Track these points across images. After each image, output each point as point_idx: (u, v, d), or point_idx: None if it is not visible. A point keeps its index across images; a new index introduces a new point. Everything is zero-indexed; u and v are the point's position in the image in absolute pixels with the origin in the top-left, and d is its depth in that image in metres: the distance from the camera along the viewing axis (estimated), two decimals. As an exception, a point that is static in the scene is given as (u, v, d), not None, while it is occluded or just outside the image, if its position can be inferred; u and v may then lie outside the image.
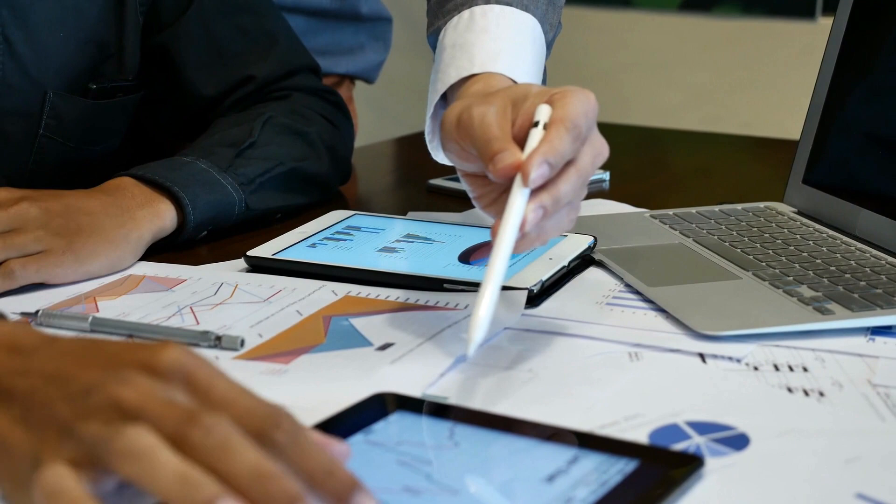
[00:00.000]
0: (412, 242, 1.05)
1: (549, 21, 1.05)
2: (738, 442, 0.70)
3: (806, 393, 0.77)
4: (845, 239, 1.06)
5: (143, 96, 1.19)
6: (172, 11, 1.18)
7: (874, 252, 1.02)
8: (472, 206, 1.22)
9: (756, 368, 0.81)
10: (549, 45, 1.06)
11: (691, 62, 2.89)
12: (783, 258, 1.01)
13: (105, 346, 0.59)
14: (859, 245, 1.04)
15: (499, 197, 0.85)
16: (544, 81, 1.05)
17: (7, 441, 0.56)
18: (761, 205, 1.18)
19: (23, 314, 0.90)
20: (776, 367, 0.81)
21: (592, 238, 1.03)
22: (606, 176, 1.38)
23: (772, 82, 2.77)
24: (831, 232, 1.08)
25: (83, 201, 1.01)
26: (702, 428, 0.72)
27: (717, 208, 1.17)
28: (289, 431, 0.55)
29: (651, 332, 0.87)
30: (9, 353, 0.60)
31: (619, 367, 0.82)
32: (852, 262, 0.99)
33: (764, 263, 0.99)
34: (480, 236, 1.05)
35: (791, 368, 0.81)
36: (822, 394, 0.77)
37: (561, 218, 0.82)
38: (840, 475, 0.66)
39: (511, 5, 1.00)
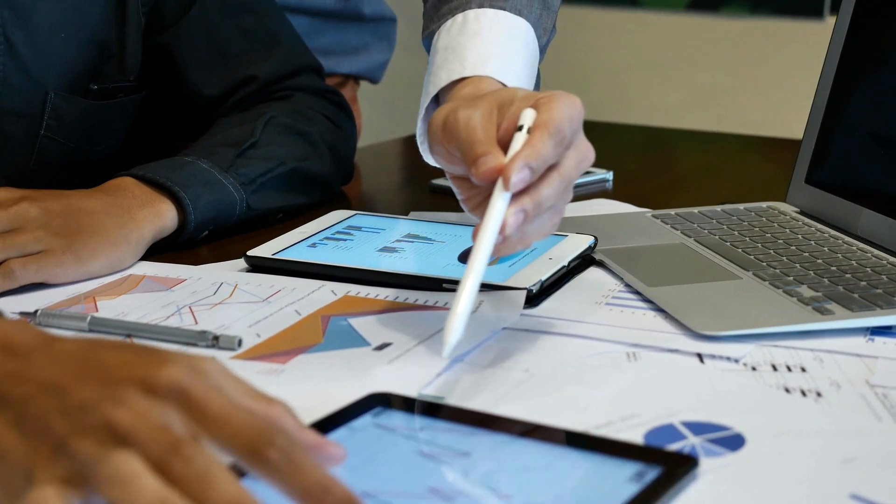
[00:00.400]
0: (412, 242, 1.05)
1: (544, 25, 1.05)
2: (734, 442, 0.70)
3: (803, 393, 0.77)
4: (847, 239, 1.06)
5: (145, 97, 1.20)
6: (174, 12, 1.19)
7: (875, 252, 1.02)
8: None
9: (754, 369, 0.81)
10: (542, 50, 1.06)
11: (699, 62, 2.88)
12: (784, 258, 1.00)
13: (104, 357, 0.59)
14: (861, 245, 1.04)
15: (485, 200, 0.85)
16: (538, 86, 1.05)
17: (0, 445, 0.57)
18: (763, 205, 1.18)
19: (22, 314, 0.90)
20: (774, 368, 0.81)
21: (593, 238, 1.03)
22: (610, 176, 1.37)
23: (780, 82, 2.77)
24: (833, 232, 1.08)
25: (84, 201, 1.01)
26: (697, 428, 0.72)
27: (719, 208, 1.17)
28: (283, 448, 0.55)
29: (649, 333, 0.87)
30: (4, 355, 0.60)
31: (617, 368, 0.82)
32: (853, 261, 0.99)
33: (765, 263, 0.99)
34: (481, 236, 1.05)
35: (789, 369, 0.81)
36: (819, 394, 0.77)
37: (543, 222, 0.82)
38: (835, 476, 0.66)
39: (505, 10, 1.00)
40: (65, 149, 1.14)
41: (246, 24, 1.23)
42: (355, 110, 1.58)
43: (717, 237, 1.07)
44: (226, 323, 0.89)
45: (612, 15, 2.95)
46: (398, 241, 1.05)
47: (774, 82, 2.78)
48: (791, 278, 0.95)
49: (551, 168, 0.80)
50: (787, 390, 0.78)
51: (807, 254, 1.01)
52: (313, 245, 1.04)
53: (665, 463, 0.64)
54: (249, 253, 1.01)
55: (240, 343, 0.84)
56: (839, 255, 1.01)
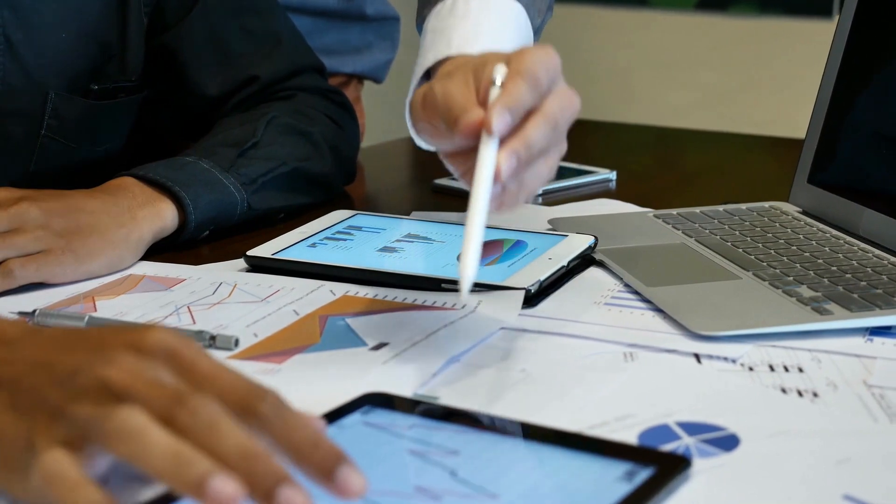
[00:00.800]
0: (412, 242, 1.04)
1: (538, 6, 1.05)
2: (728, 443, 0.70)
3: (800, 394, 0.77)
4: (848, 239, 1.05)
5: (147, 97, 1.20)
6: (177, 11, 1.19)
7: (877, 252, 1.01)
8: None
9: (751, 369, 0.81)
10: (537, 31, 1.06)
11: (707, 61, 2.88)
12: (784, 258, 1.00)
13: (90, 332, 0.61)
14: (862, 245, 1.03)
15: None
16: None
17: None
18: (766, 204, 1.17)
19: (20, 314, 0.90)
20: (771, 368, 0.81)
21: (593, 238, 1.03)
22: (613, 175, 1.37)
23: (789, 81, 2.76)
24: (835, 232, 1.07)
25: (84, 201, 1.01)
26: (692, 429, 0.71)
27: (721, 208, 1.16)
28: (273, 405, 0.57)
29: (647, 333, 0.87)
30: None
31: (614, 368, 0.81)
32: (854, 262, 0.99)
33: (765, 263, 0.99)
34: (481, 236, 1.05)
35: (786, 369, 0.81)
36: (815, 394, 0.77)
37: (539, 169, 0.81)
38: (829, 476, 0.66)
39: None
40: (66, 149, 1.14)
41: (248, 24, 1.23)
42: (359, 110, 1.58)
43: (718, 237, 1.07)
44: (224, 323, 0.89)
45: (620, 15, 2.95)
46: (398, 241, 1.05)
47: (783, 82, 2.78)
48: (791, 278, 0.95)
49: (534, 112, 0.80)
50: (784, 391, 0.77)
51: (807, 254, 1.01)
52: (313, 245, 1.04)
53: (658, 463, 0.64)
54: (249, 253, 1.01)
55: (237, 343, 0.84)
56: (840, 255, 1.01)
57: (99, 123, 1.16)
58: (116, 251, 1.00)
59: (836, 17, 2.82)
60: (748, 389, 0.78)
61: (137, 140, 1.26)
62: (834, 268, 0.97)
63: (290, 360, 0.82)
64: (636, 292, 0.95)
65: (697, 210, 1.16)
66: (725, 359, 0.82)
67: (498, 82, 0.80)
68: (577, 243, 1.02)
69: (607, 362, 0.82)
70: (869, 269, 0.97)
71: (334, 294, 0.95)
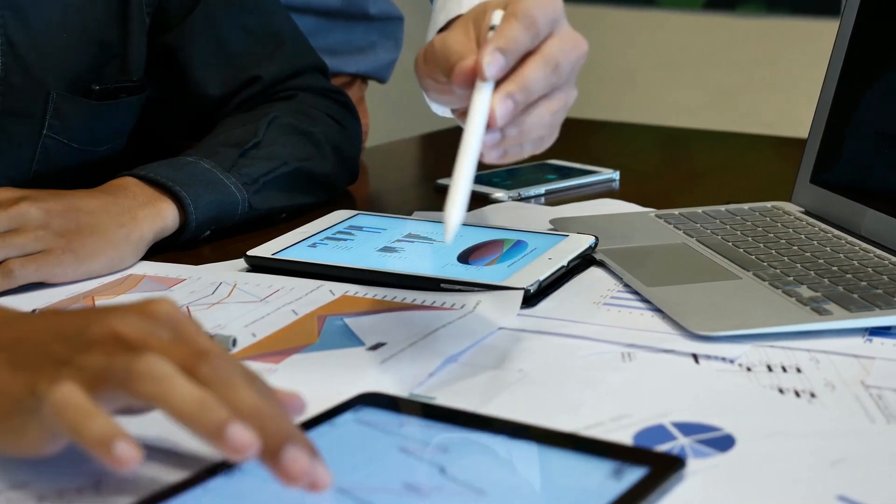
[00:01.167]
0: (413, 242, 1.04)
1: None
2: (724, 443, 0.69)
3: (797, 394, 0.77)
4: (850, 239, 1.05)
5: (149, 97, 1.20)
6: (179, 11, 1.19)
7: (878, 252, 1.01)
8: (478, 207, 1.23)
9: (749, 369, 0.80)
10: None
11: (715, 61, 2.87)
12: (785, 258, 1.00)
13: (94, 307, 0.65)
14: (864, 245, 1.03)
15: None
16: None
17: None
18: (768, 204, 1.17)
19: (20, 313, 0.90)
20: (769, 368, 0.81)
21: (594, 238, 1.03)
22: (616, 175, 1.37)
23: (796, 80, 2.75)
24: (837, 232, 1.07)
25: (84, 201, 1.01)
26: (687, 429, 0.71)
27: (723, 208, 1.16)
28: (263, 388, 0.61)
29: (645, 333, 0.87)
30: None
31: (611, 368, 0.81)
32: (855, 262, 0.98)
33: (765, 263, 0.99)
34: (482, 236, 1.05)
35: (784, 369, 0.80)
36: (813, 395, 0.76)
37: (541, 113, 0.79)
38: (824, 477, 0.66)
39: None
40: (67, 149, 1.14)
41: (250, 24, 1.23)
42: (362, 110, 1.58)
43: (719, 237, 1.07)
44: (222, 322, 0.89)
45: (628, 14, 2.94)
46: (398, 241, 1.05)
47: (791, 81, 2.77)
48: (791, 278, 0.95)
49: (532, 53, 0.78)
50: (781, 391, 0.77)
51: (808, 254, 1.01)
52: (313, 245, 1.04)
53: (651, 463, 0.64)
54: (249, 253, 1.01)
55: (234, 343, 0.84)
56: (841, 255, 1.00)
57: (100, 123, 1.16)
58: (117, 251, 1.01)
59: (844, 17, 2.78)
60: (745, 390, 0.77)
61: (139, 140, 1.26)
62: (835, 268, 0.97)
63: (288, 359, 0.82)
64: (636, 292, 0.95)
65: (699, 210, 1.16)
66: (723, 359, 0.82)
67: (495, 27, 0.79)
68: (578, 243, 1.02)
69: (605, 362, 0.82)
70: (870, 270, 0.96)
71: (333, 294, 0.95)
